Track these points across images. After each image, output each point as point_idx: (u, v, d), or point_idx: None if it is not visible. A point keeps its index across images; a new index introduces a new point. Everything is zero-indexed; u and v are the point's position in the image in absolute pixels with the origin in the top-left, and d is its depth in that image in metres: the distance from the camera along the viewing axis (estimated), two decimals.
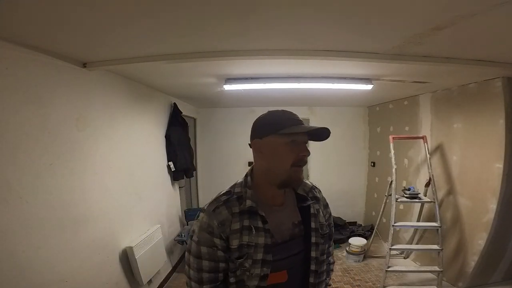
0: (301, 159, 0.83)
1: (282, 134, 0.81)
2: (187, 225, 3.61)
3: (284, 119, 0.84)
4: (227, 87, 2.60)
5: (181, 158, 3.36)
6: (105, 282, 2.01)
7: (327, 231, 0.96)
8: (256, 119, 0.90)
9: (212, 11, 1.16)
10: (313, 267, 0.88)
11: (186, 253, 0.87)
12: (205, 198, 4.66)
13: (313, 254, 0.89)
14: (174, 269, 3.24)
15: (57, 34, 1.34)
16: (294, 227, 0.89)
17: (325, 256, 0.95)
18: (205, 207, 0.86)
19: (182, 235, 3.17)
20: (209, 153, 4.67)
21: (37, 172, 1.49)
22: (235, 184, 0.91)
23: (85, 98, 1.88)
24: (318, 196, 0.99)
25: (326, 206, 1.02)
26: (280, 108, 0.90)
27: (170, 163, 3.22)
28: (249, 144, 0.90)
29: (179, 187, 3.68)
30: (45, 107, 1.56)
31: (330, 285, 1.03)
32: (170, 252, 3.16)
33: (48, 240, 1.54)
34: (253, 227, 0.82)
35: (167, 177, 3.24)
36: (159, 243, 2.71)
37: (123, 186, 2.32)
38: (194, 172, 4.00)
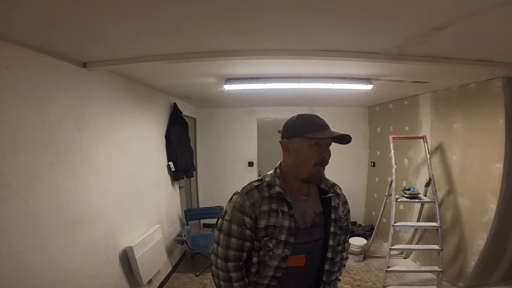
0: (322, 160, 0.93)
1: (307, 138, 0.92)
2: (187, 225, 3.61)
3: (310, 124, 0.94)
4: (227, 87, 2.60)
5: (181, 158, 3.36)
6: (105, 282, 2.01)
7: (345, 224, 1.07)
8: (287, 121, 1.01)
9: (212, 10, 1.16)
10: (329, 254, 0.99)
11: (216, 231, 0.99)
12: (205, 198, 4.66)
13: (331, 242, 0.99)
14: (174, 269, 3.24)
15: (57, 34, 1.34)
16: (315, 216, 1.00)
17: (340, 247, 1.05)
18: (239, 191, 0.98)
19: (182, 235, 3.16)
20: (209, 153, 4.68)
21: (37, 172, 1.49)
22: (265, 175, 1.03)
23: (85, 98, 1.88)
24: (339, 192, 1.09)
25: (345, 202, 1.12)
26: (308, 113, 1.00)
27: (170, 163, 3.23)
28: (280, 142, 1.02)
29: (179, 187, 3.68)
30: (45, 107, 1.56)
31: (339, 280, 1.13)
32: (170, 252, 3.16)
33: (48, 240, 1.54)
34: (279, 210, 0.93)
35: (167, 177, 3.24)
36: (159, 243, 2.71)
37: (123, 186, 2.32)
38: (194, 172, 4.00)
